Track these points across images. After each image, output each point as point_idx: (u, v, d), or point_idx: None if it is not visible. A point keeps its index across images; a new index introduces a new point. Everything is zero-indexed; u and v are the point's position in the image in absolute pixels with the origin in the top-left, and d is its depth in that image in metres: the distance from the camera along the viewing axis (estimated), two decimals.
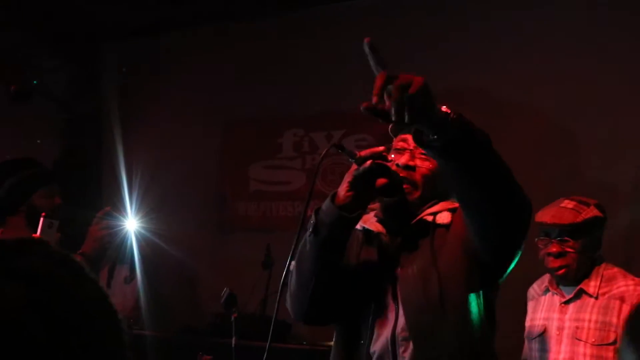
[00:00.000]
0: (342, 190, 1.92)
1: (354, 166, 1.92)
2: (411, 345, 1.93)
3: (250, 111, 5.78)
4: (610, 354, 2.66)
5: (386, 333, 1.97)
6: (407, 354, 1.93)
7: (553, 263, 2.81)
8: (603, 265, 2.85)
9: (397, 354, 1.95)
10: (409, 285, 1.96)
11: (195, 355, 4.01)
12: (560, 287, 2.88)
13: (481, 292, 1.99)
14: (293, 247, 1.97)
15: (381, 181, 1.93)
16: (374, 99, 1.53)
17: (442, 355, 1.91)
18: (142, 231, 4.01)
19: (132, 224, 2.98)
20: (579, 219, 2.75)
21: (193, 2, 5.52)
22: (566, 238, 2.76)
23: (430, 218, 2.02)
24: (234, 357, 2.77)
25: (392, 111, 1.52)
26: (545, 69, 4.63)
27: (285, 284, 2.03)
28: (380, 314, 2.00)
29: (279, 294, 1.98)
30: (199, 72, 5.91)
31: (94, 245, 2.75)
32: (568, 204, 2.82)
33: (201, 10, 5.68)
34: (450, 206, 2.05)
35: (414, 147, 2.03)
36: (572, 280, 2.82)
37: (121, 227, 2.82)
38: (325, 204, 1.94)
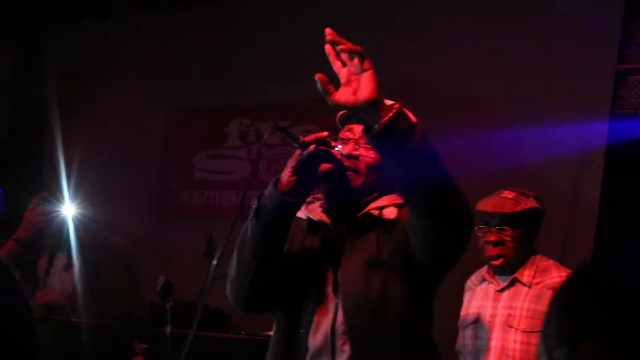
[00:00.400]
0: (285, 175, 1.91)
1: (298, 151, 1.91)
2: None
3: (196, 100, 5.73)
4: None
5: (326, 325, 1.97)
6: (346, 348, 1.93)
7: (491, 251, 2.87)
8: (538, 256, 2.92)
9: (336, 346, 1.94)
10: (350, 280, 1.96)
11: (132, 343, 3.98)
12: (496, 276, 2.94)
13: (421, 290, 2.01)
14: (228, 234, 1.94)
15: (324, 166, 1.91)
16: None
17: (379, 354, 1.92)
18: (82, 218, 3.95)
19: (69, 210, 2.93)
20: (518, 208, 2.82)
21: None
22: (505, 227, 2.82)
23: (376, 212, 2.02)
24: (168, 345, 2.74)
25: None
26: (489, 60, 4.70)
27: (215, 273, 2.00)
28: (320, 304, 1.99)
29: (209, 283, 1.95)
30: (145, 58, 5.84)
31: (29, 231, 2.70)
32: (508, 194, 2.88)
33: None
34: (397, 201, 2.05)
35: (359, 136, 2.03)
36: (508, 269, 2.88)
37: (57, 213, 2.76)
38: (268, 190, 1.92)
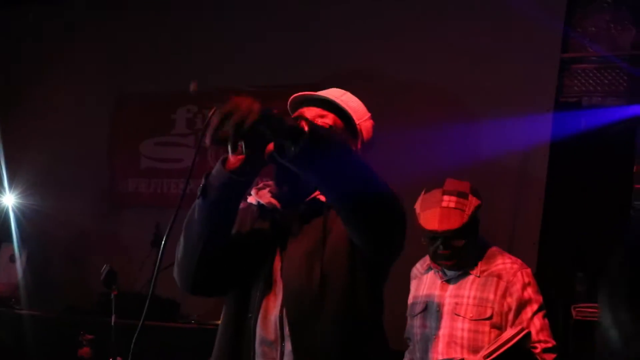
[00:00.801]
0: None
1: None
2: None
3: (143, 86, 5.66)
4: (487, 328, 2.76)
5: (274, 311, 1.95)
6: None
7: (445, 262, 2.85)
8: (485, 245, 2.94)
9: (284, 333, 1.93)
10: (292, 267, 1.96)
11: (79, 334, 3.93)
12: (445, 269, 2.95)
13: (366, 278, 1.99)
14: (172, 219, 1.83)
15: (271, 146, 1.84)
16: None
17: (318, 343, 1.91)
18: (25, 207, 3.86)
19: (9, 199, 2.85)
20: (465, 218, 2.77)
21: None
22: (455, 241, 2.80)
23: (323, 198, 1.99)
24: (113, 335, 2.70)
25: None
26: (439, 47, 4.74)
27: (163, 262, 1.88)
28: (268, 289, 1.98)
29: (155, 270, 1.90)
30: (93, 43, 5.74)
31: None
32: (449, 201, 2.80)
33: None
34: None
35: (312, 117, 2.02)
36: (461, 267, 2.88)
37: None
38: (216, 168, 1.88)
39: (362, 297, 1.97)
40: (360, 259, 1.95)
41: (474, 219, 2.81)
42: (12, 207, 2.88)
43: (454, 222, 2.76)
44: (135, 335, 1.82)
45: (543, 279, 3.15)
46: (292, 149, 1.65)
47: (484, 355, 2.38)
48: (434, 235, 2.79)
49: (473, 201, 2.81)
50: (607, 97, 4.46)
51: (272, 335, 1.94)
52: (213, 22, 5.41)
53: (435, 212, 2.79)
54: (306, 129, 1.66)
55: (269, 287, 1.98)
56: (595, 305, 3.77)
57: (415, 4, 4.90)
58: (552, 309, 3.09)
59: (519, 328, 2.55)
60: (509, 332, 2.53)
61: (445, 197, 2.81)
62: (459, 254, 2.81)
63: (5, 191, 2.79)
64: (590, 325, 3.70)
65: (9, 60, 5.98)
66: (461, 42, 4.67)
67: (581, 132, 4.41)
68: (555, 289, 3.81)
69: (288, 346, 1.92)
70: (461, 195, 2.81)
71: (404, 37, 4.82)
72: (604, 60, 4.49)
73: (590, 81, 4.51)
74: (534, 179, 4.47)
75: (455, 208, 2.78)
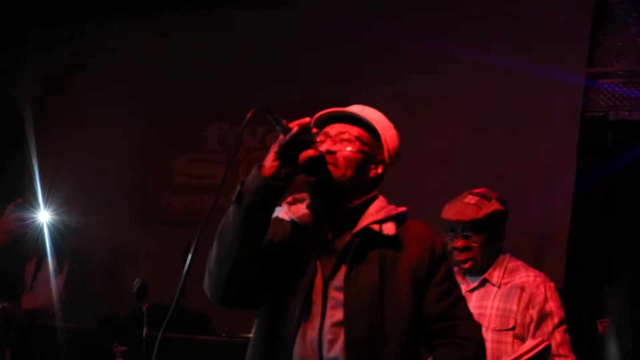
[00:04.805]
0: (269, 160, 1.89)
1: (281, 136, 1.89)
2: (337, 348, 1.94)
3: (175, 104, 5.75)
4: (510, 339, 2.79)
5: (312, 332, 1.96)
6: (333, 353, 1.94)
7: (459, 256, 2.93)
8: (507, 257, 2.98)
9: (323, 352, 1.95)
10: (354, 309, 1.96)
11: (112, 346, 4.01)
12: (466, 277, 3.01)
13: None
14: (200, 229, 1.87)
15: (306, 153, 1.89)
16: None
17: None
18: (59, 224, 3.95)
19: (44, 216, 2.95)
20: (480, 214, 2.87)
21: None
22: (469, 233, 2.89)
23: (376, 228, 2.03)
24: (144, 347, 2.78)
25: None
26: (468, 63, 4.78)
27: (192, 274, 1.96)
28: (306, 310, 1.98)
29: (181, 283, 1.94)
30: (124, 62, 5.84)
31: (5, 238, 2.73)
32: (471, 199, 2.93)
33: None
34: (392, 212, 2.09)
35: (335, 134, 2.07)
36: (477, 271, 2.95)
37: (33, 219, 2.78)
38: (251, 174, 1.90)
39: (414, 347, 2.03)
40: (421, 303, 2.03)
41: (491, 219, 2.89)
42: (47, 223, 2.98)
43: (468, 215, 2.87)
44: (157, 345, 1.85)
45: (570, 293, 3.17)
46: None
47: None
48: (449, 227, 2.92)
49: (495, 204, 2.92)
50: (633, 112, 4.46)
51: (312, 357, 1.95)
52: (244, 40, 5.50)
53: (455, 205, 2.93)
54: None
55: (307, 306, 1.98)
56: None
57: (442, 24, 4.93)
58: (579, 323, 3.11)
59: (539, 340, 2.58)
60: (529, 343, 2.56)
61: (470, 196, 2.95)
62: (471, 250, 2.89)
63: (40, 208, 2.89)
64: None
65: (47, 74, 6.12)
66: (488, 58, 4.69)
67: (608, 145, 4.42)
68: (582, 303, 3.81)
69: None
70: (484, 197, 2.94)
71: (429, 55, 4.87)
72: (630, 75, 4.50)
73: (617, 95, 4.52)
74: (561, 192, 4.47)
75: (474, 205, 2.90)
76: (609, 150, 4.42)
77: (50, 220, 3.15)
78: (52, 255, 4.57)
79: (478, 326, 2.14)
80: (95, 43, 6.00)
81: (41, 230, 2.91)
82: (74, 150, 5.67)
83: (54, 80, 6.10)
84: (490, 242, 2.93)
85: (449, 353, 2.03)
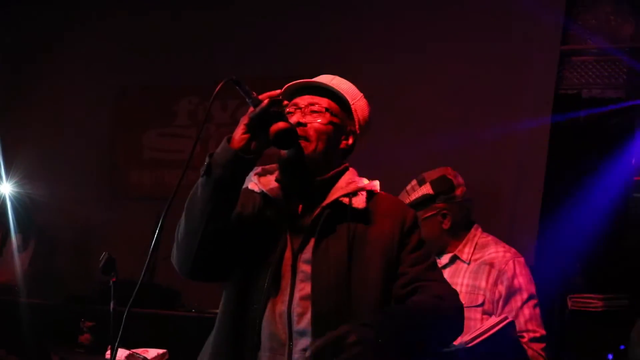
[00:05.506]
0: (238, 132, 1.87)
1: (251, 109, 1.87)
2: (305, 321, 1.92)
3: (144, 78, 5.68)
4: (479, 315, 2.80)
5: (282, 307, 1.94)
6: (301, 325, 1.92)
7: None
8: (478, 232, 2.99)
9: (292, 325, 1.93)
10: (322, 282, 1.94)
11: (79, 321, 3.98)
12: (435, 255, 3.00)
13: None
14: (167, 205, 1.85)
15: (277, 126, 1.85)
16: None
17: None
18: (24, 197, 3.87)
19: (5, 188, 2.86)
20: (407, 200, 2.95)
21: None
22: None
23: (346, 200, 2.01)
24: (112, 321, 2.73)
25: None
26: (440, 39, 4.76)
27: (156, 246, 1.93)
28: (275, 283, 1.96)
29: (148, 257, 1.90)
30: (95, 35, 5.75)
31: None
32: (410, 184, 3.04)
33: None
34: (361, 184, 2.07)
35: (304, 105, 2.05)
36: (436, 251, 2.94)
37: None
38: (220, 147, 1.87)
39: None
40: (391, 278, 2.01)
41: (420, 204, 2.95)
42: (10, 196, 2.90)
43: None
44: (124, 318, 1.82)
45: (540, 268, 3.18)
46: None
47: (466, 341, 2.40)
48: None
49: (425, 189, 2.98)
50: (606, 89, 4.47)
51: (281, 330, 1.94)
52: (215, 14, 5.43)
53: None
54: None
55: (276, 280, 1.96)
56: (590, 295, 3.80)
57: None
58: (549, 299, 3.12)
59: (502, 316, 2.57)
60: (492, 320, 2.56)
61: (413, 180, 3.04)
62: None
63: (2, 180, 2.79)
64: (585, 315, 3.72)
65: (9, 50, 6.00)
66: (461, 35, 4.68)
67: (580, 123, 4.43)
68: (551, 279, 3.83)
69: (297, 344, 1.92)
70: (420, 180, 3.02)
71: (403, 29, 4.84)
72: (603, 53, 4.50)
73: (590, 73, 4.52)
74: (533, 169, 4.49)
75: (407, 190, 3.02)
76: (581, 127, 4.43)
77: (12, 192, 3.06)
78: (16, 230, 4.48)
79: (455, 291, 2.11)
80: (64, 16, 5.89)
81: (4, 201, 2.82)
82: (41, 123, 5.58)
83: (21, 52, 5.99)
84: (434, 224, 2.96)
85: (424, 301, 1.99)
